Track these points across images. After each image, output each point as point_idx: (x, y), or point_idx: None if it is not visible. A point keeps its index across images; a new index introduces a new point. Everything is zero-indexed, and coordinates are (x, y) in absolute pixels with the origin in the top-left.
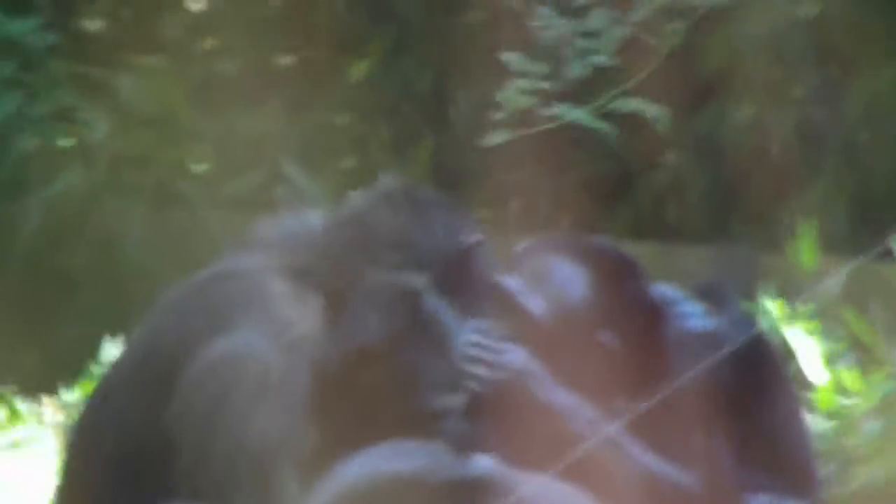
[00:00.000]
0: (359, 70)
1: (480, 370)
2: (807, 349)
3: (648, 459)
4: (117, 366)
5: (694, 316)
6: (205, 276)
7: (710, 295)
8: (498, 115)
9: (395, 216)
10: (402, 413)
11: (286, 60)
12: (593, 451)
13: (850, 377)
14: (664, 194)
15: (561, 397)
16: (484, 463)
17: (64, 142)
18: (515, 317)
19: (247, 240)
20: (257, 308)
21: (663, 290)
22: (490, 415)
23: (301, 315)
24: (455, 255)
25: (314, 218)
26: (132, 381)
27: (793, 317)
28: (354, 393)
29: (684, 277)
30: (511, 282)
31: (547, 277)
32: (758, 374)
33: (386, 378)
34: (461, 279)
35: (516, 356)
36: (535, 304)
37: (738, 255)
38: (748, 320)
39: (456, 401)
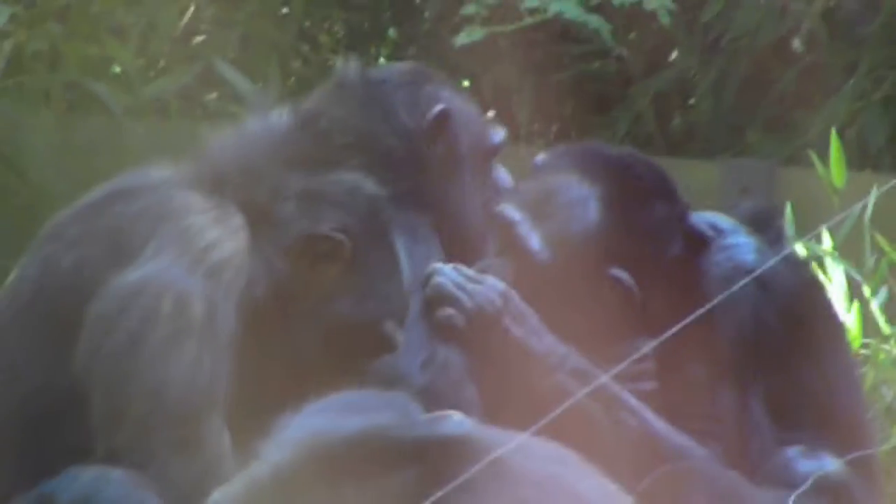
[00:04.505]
0: None
1: (452, 302)
2: (832, 281)
3: (650, 419)
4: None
5: (745, 250)
6: (102, 193)
7: (757, 223)
8: (470, 8)
9: (350, 108)
10: (352, 340)
11: None
12: (582, 406)
13: (883, 314)
14: (668, 99)
15: (544, 341)
16: (456, 419)
17: None
18: (512, 253)
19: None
20: (169, 229)
21: (708, 217)
22: (462, 356)
23: (221, 234)
24: (419, 137)
25: (271, 123)
26: (21, 324)
27: (816, 243)
28: (295, 316)
29: (693, 197)
30: (510, 210)
31: (555, 199)
32: (807, 321)
33: (334, 286)
34: (437, 162)
35: (494, 289)
36: (535, 240)
37: (754, 170)
38: (797, 257)
39: (414, 336)
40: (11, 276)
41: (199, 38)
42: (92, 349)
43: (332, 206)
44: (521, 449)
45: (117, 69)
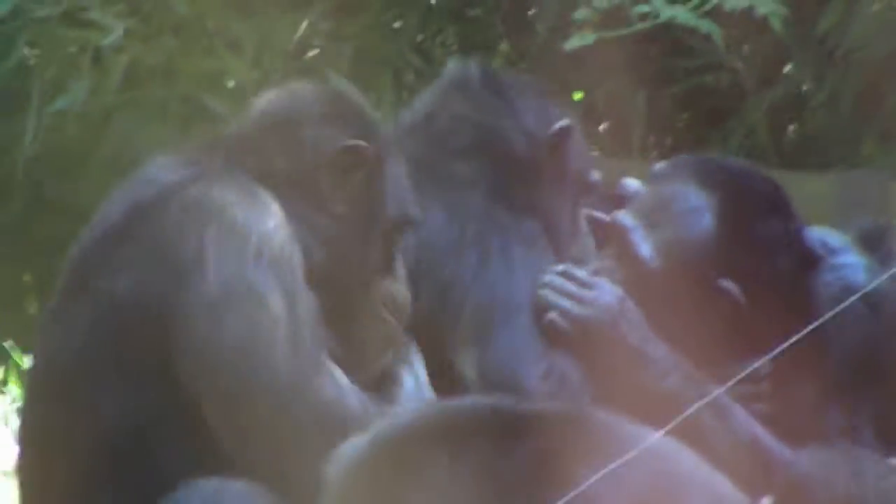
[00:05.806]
0: None
1: (563, 303)
2: None
3: (756, 431)
4: (48, 345)
5: (855, 270)
6: (124, 207)
7: (868, 241)
8: (582, 14)
9: (472, 106)
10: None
11: None
12: (695, 414)
13: None
14: (782, 112)
15: (656, 348)
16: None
17: (72, 48)
18: (624, 259)
19: None
20: (215, 232)
21: (821, 234)
22: (577, 364)
23: (272, 223)
24: (542, 144)
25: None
26: (87, 359)
27: None
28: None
29: (806, 210)
30: (625, 217)
31: (670, 208)
32: None
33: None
34: (549, 173)
35: (607, 293)
36: (647, 247)
37: (869, 182)
38: None
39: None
40: (53, 310)
41: (312, 52)
42: (201, 369)
43: (348, 122)
44: (644, 437)
45: (231, 83)
